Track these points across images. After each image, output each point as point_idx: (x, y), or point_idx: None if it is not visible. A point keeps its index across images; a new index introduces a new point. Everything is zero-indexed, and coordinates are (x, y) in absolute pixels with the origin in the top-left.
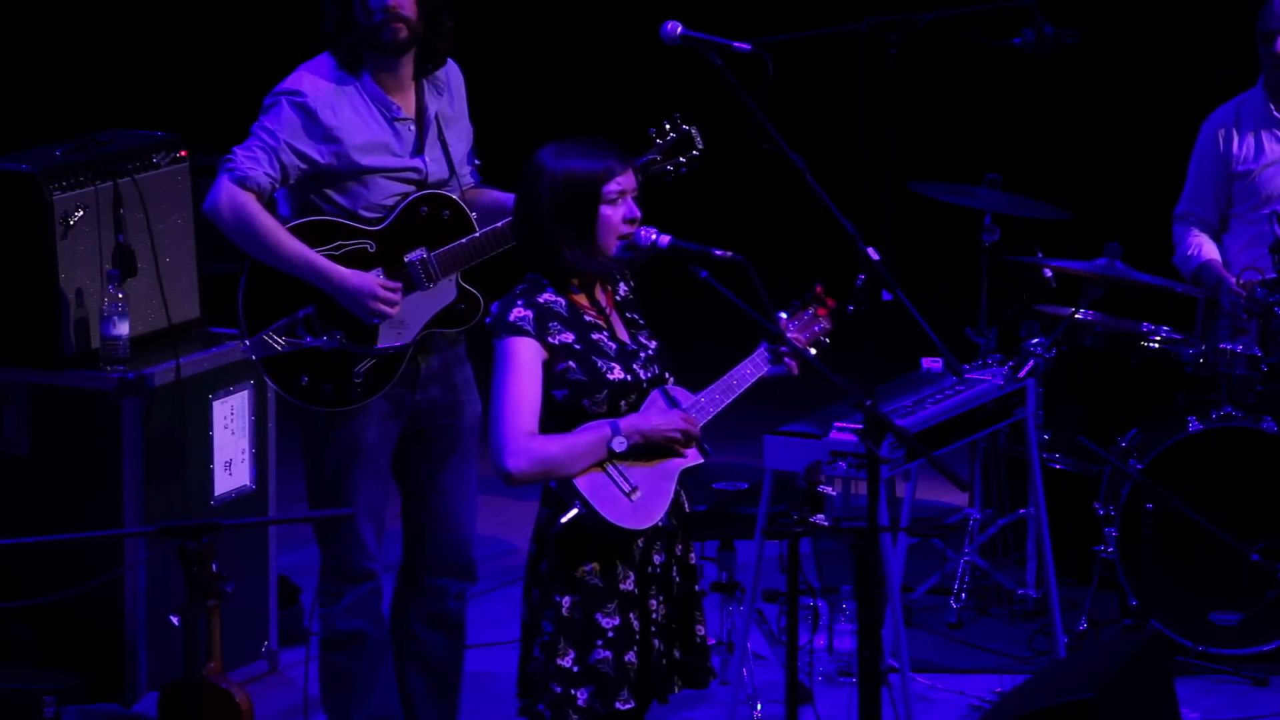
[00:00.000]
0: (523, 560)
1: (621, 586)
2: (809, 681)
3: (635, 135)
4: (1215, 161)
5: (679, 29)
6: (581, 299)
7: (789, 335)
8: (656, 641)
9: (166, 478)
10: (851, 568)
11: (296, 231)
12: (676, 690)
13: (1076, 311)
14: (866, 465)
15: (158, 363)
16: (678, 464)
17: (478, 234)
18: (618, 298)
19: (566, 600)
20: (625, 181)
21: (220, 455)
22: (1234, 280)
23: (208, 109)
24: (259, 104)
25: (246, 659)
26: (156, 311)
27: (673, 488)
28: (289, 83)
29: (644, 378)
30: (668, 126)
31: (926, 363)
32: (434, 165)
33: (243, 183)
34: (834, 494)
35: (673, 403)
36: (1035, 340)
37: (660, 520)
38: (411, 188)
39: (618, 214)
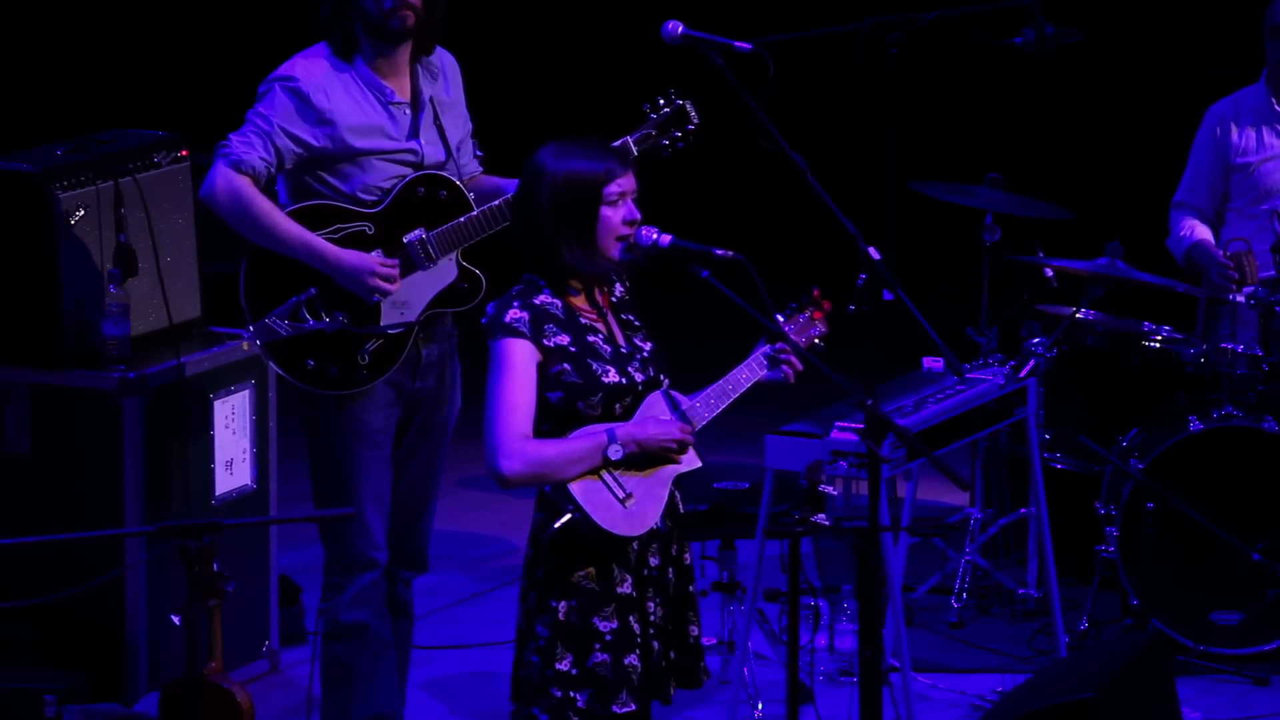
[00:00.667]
0: (522, 560)
1: (618, 590)
2: (810, 681)
3: (635, 133)
4: (1213, 151)
5: (680, 28)
6: (578, 300)
7: None
8: (656, 643)
9: (167, 477)
10: (853, 567)
11: (295, 216)
12: (672, 691)
13: (1077, 311)
14: (868, 465)
15: (159, 362)
16: (672, 470)
17: (475, 212)
18: (614, 299)
19: (563, 605)
20: (626, 183)
21: (221, 455)
22: (1222, 254)
23: (208, 109)
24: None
25: (247, 659)
26: (158, 311)
27: (666, 493)
28: (283, 69)
29: (639, 381)
30: (662, 101)
31: (927, 362)
32: (430, 148)
33: (238, 166)
34: (835, 493)
35: (674, 405)
36: (1036, 340)
37: (655, 524)
38: (408, 170)
39: (618, 215)
